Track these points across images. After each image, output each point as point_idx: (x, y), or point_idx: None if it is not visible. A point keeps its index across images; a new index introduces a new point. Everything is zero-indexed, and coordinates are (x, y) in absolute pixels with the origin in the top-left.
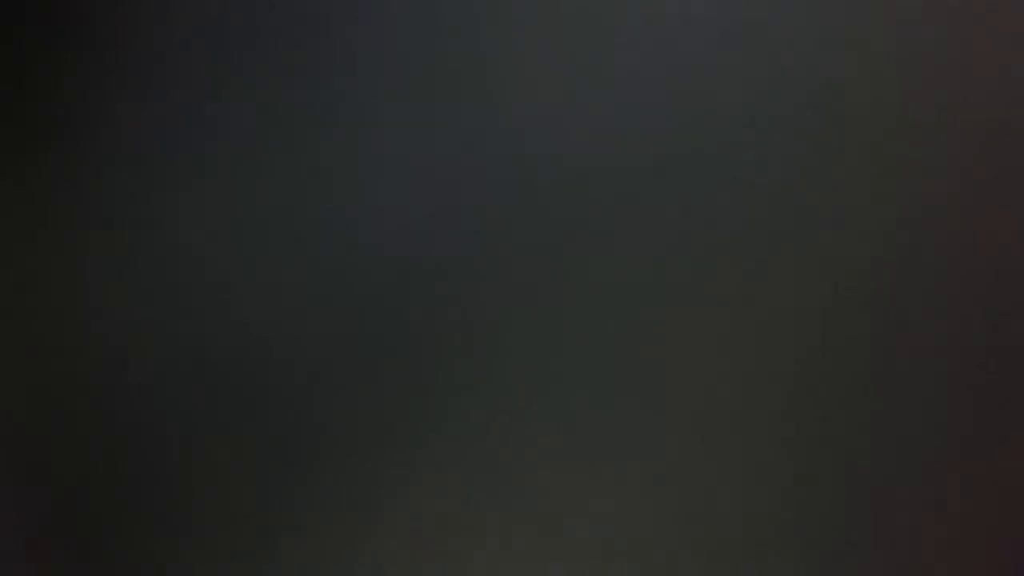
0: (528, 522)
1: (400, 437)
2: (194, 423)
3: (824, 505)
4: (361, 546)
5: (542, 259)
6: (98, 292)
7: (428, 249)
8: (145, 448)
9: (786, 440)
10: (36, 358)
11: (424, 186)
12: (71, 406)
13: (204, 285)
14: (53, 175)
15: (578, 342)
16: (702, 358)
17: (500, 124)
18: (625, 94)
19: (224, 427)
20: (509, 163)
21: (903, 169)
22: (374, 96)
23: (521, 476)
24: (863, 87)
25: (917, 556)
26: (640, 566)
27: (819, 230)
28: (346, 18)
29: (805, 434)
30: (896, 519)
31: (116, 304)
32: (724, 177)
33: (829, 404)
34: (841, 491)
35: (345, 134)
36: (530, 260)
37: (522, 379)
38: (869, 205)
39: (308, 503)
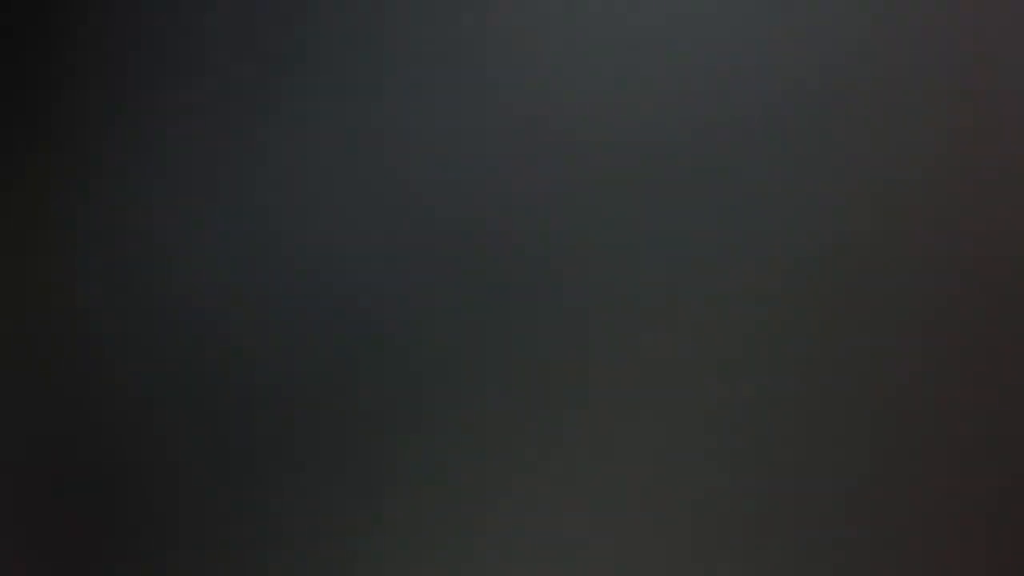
0: (525, 523)
1: (396, 438)
2: (189, 425)
3: (824, 505)
4: (358, 549)
5: (543, 259)
6: (96, 294)
7: (429, 247)
8: (140, 450)
9: (786, 441)
10: (33, 359)
11: (424, 186)
12: (68, 408)
13: (200, 287)
14: (50, 176)
15: (579, 341)
16: (702, 359)
17: (500, 124)
18: (625, 95)
19: (221, 430)
20: (508, 164)
21: (904, 170)
22: (374, 95)
23: (519, 477)
24: (862, 89)
25: (915, 556)
26: (641, 566)
27: (819, 231)
28: (345, 16)
29: (805, 435)
30: (895, 519)
31: (115, 306)
32: (724, 177)
33: (830, 405)
34: (841, 492)
35: (344, 133)
36: (530, 260)
37: (522, 380)
38: (870, 206)
39: (305, 506)
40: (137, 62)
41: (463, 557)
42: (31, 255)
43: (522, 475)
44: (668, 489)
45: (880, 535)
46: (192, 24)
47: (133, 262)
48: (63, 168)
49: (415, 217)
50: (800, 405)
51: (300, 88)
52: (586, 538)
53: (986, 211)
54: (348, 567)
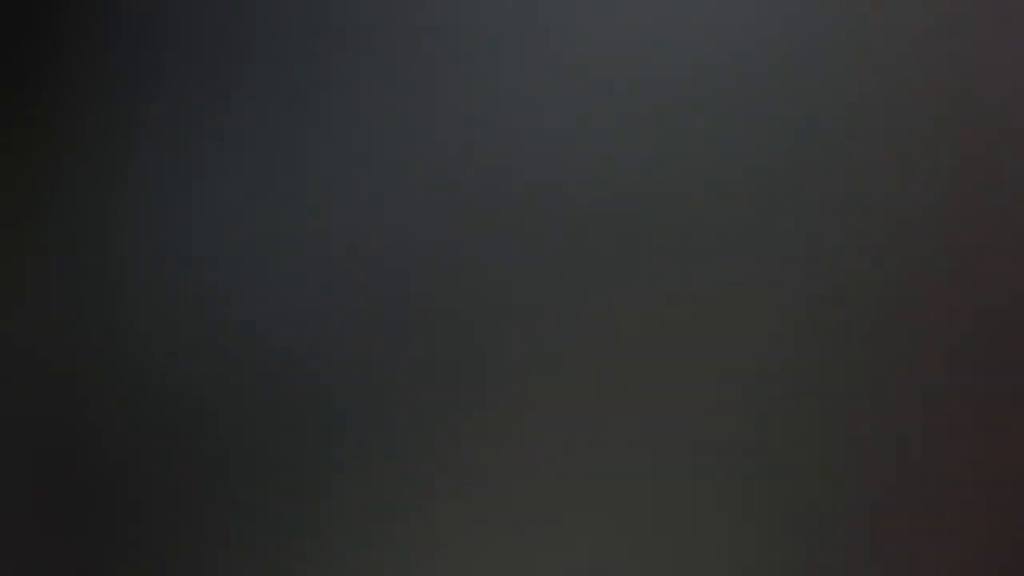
0: (530, 523)
1: (406, 441)
2: (201, 425)
3: (822, 506)
4: (374, 551)
5: (543, 259)
6: (105, 294)
7: (435, 249)
8: (153, 451)
9: (785, 442)
10: (38, 359)
11: (427, 188)
12: (75, 408)
13: (212, 288)
14: (57, 176)
15: (580, 342)
16: (702, 359)
17: (499, 126)
18: (623, 96)
19: (231, 431)
20: (509, 165)
21: (903, 170)
22: (377, 97)
23: (524, 476)
24: (863, 88)
25: (914, 556)
26: (640, 566)
27: (817, 232)
28: (345, 21)
29: (804, 436)
30: (894, 520)
31: (123, 306)
32: (723, 177)
33: (829, 406)
34: (841, 493)
35: (347, 135)
36: (531, 260)
37: (526, 381)
38: (868, 206)
39: (320, 507)
40: (173, 66)
41: (473, 556)
42: (46, 252)
43: (540, 475)
44: (666, 490)
45: (879, 535)
46: (196, 23)
47: (147, 261)
48: (77, 166)
49: (429, 221)
50: (800, 405)
51: (311, 85)
52: (587, 538)
53: (995, 208)
54: (372, 568)
